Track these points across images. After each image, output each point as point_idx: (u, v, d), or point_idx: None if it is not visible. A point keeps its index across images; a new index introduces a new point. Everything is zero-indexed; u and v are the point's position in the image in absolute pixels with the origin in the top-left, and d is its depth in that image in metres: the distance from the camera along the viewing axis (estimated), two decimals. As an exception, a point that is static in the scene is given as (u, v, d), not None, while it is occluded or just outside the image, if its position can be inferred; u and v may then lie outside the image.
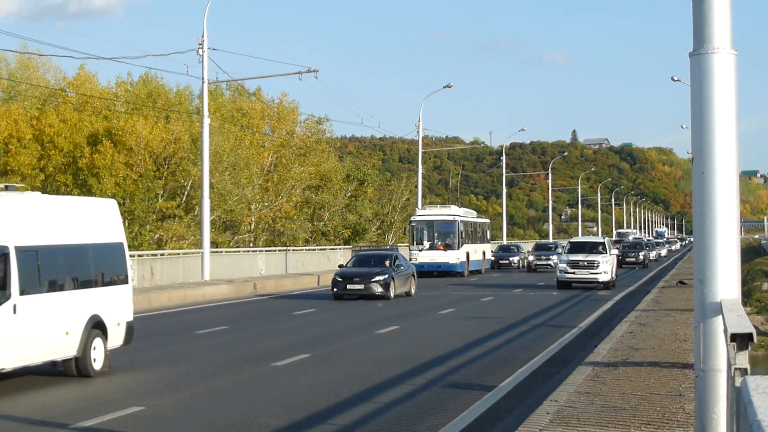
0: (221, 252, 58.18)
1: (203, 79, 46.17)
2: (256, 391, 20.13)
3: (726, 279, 10.99)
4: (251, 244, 75.92)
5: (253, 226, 77.81)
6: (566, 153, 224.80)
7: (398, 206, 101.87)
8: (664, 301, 39.29)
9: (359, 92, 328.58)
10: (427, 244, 70.11)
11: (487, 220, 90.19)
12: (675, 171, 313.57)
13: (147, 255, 50.38)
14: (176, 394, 19.44)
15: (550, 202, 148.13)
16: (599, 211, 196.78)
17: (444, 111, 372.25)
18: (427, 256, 69.58)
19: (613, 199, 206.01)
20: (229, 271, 52.85)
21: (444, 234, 69.70)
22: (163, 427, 16.06)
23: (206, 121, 46.52)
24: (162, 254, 52.16)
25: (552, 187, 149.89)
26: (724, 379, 10.55)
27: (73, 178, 67.11)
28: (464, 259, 70.42)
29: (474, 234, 77.32)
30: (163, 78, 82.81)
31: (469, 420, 16.36)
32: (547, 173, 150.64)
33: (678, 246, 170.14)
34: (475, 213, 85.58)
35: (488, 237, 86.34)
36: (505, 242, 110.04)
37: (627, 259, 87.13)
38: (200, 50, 45.32)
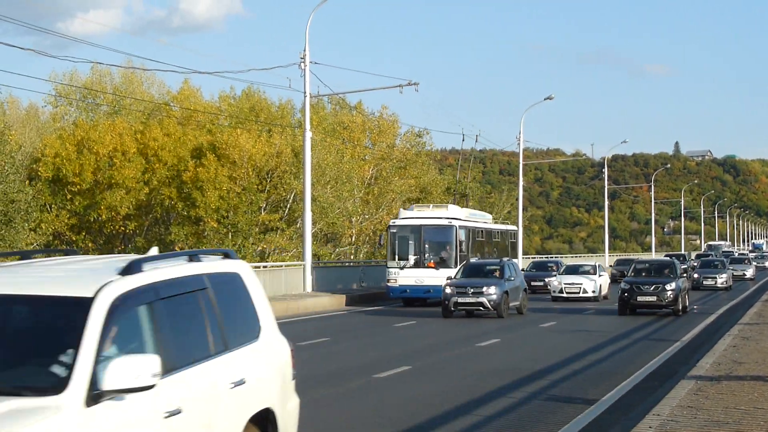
0: (323, 264, 58.46)
1: (305, 93, 46.32)
2: (357, 403, 20.15)
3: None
4: (352, 257, 76.03)
5: (354, 239, 77.88)
6: (669, 165, 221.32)
7: (499, 219, 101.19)
8: (768, 314, 38.65)
9: (459, 104, 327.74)
10: (411, 259, 47.11)
11: (514, 228, 67.12)
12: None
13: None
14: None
15: (653, 214, 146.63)
16: (702, 224, 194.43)
17: (545, 123, 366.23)
18: (410, 276, 46.93)
19: (716, 212, 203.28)
20: (331, 283, 52.91)
21: (436, 245, 47.14)
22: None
23: (308, 134, 46.66)
24: (265, 266, 52.33)
25: (654, 199, 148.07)
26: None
27: (177, 191, 67.66)
28: None
29: (487, 245, 54.96)
30: (265, 92, 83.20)
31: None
32: (650, 185, 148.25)
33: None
34: (489, 217, 61.38)
35: (516, 249, 65.45)
36: (539, 257, 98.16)
37: (705, 282, 67.88)
38: (302, 64, 45.49)
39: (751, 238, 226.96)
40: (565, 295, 53.48)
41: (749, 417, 15.58)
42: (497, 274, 44.44)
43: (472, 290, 42.45)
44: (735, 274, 73.65)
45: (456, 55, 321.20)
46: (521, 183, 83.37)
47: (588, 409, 18.64)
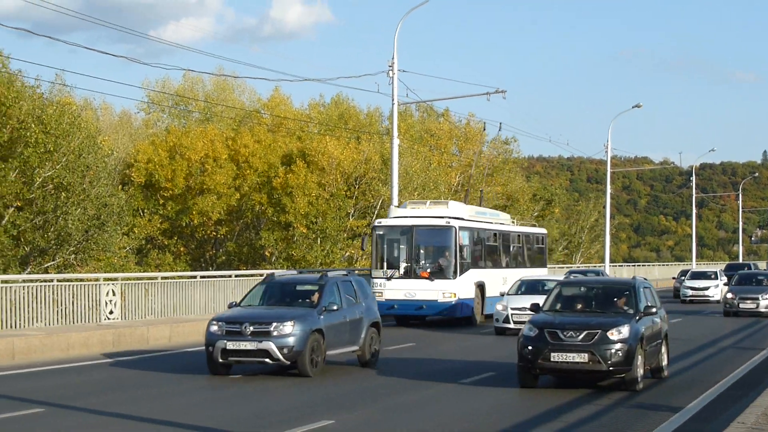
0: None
1: (393, 100, 46.43)
2: (442, 408, 20.32)
3: None
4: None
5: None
6: (757, 174, 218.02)
7: (586, 226, 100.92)
8: None
9: (547, 112, 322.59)
10: (400, 267, 37.55)
11: (542, 231, 53.82)
12: None
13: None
14: (365, 408, 19.71)
15: (740, 223, 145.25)
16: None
17: (633, 131, 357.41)
18: (399, 288, 37.28)
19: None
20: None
21: (430, 250, 37.38)
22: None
23: (396, 141, 46.79)
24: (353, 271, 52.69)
25: (742, 208, 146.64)
26: None
27: (267, 197, 68.17)
28: (469, 294, 37.71)
29: (503, 251, 43.57)
30: (354, 99, 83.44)
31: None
32: (737, 194, 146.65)
33: None
34: (507, 217, 49.65)
35: (544, 257, 51.83)
36: (577, 266, 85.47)
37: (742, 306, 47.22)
38: (390, 72, 45.66)
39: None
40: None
41: None
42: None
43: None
44: None
45: (544, 62, 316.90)
46: (608, 191, 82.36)
47: (673, 417, 18.75)
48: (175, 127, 77.15)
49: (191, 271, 55.18)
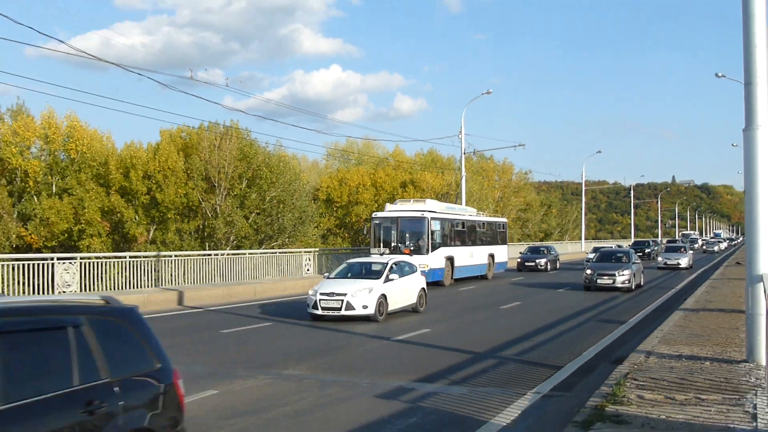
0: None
1: (461, 151, 46.28)
2: (490, 324, 20.10)
3: (765, 260, 10.86)
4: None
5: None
6: (668, 189, 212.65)
7: (571, 220, 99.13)
8: (728, 274, 37.19)
9: (546, 154, 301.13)
10: (389, 246, 33.90)
11: (502, 220, 45.94)
12: None
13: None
14: (442, 324, 19.58)
15: (659, 216, 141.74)
16: None
17: (597, 165, 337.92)
18: None
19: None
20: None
21: (410, 234, 33.78)
22: (442, 340, 16.17)
23: (464, 173, 46.82)
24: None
25: (660, 208, 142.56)
26: (764, 319, 10.33)
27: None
28: (439, 265, 33.68)
29: (469, 233, 37.88)
30: (439, 150, 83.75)
31: (609, 341, 15.97)
32: (657, 200, 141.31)
33: (723, 246, 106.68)
34: (473, 211, 42.99)
35: (504, 237, 43.88)
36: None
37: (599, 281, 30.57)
38: (460, 135, 45.58)
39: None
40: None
41: (716, 333, 15.20)
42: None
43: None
44: (668, 263, 46.91)
45: (545, 126, 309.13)
46: (584, 200, 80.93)
47: (619, 328, 18.33)
48: (342, 168, 78.06)
49: (351, 248, 55.45)
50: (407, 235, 32.19)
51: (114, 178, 54.27)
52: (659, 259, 44.48)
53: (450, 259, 33.75)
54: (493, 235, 40.69)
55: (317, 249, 39.35)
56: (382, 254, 28.68)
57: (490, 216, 43.45)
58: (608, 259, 32.56)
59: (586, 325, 19.15)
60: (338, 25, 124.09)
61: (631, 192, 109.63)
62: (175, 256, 27.74)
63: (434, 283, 31.59)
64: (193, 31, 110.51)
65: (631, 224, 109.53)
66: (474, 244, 37.43)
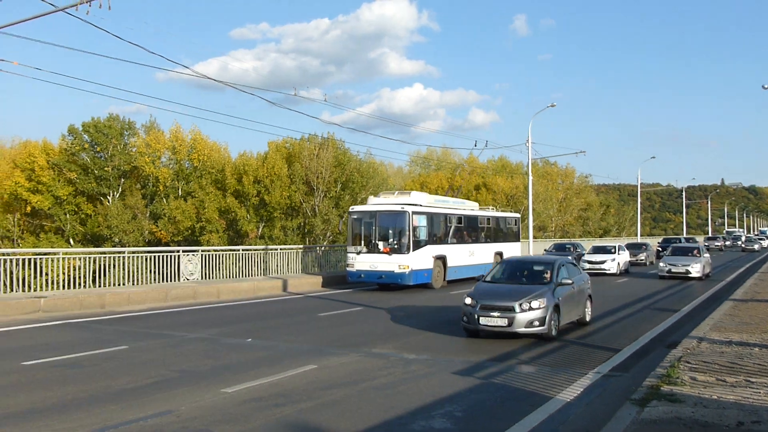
0: (536, 241, 57.33)
1: (528, 158, 45.56)
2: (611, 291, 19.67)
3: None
4: (552, 236, 74.20)
5: (553, 228, 75.93)
6: (718, 190, 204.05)
7: (628, 218, 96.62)
8: (775, 267, 35.55)
9: (605, 160, 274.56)
10: (367, 244, 25.77)
11: (514, 215, 36.05)
12: None
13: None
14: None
15: (710, 216, 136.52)
16: None
17: (654, 169, 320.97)
18: (365, 261, 25.76)
19: None
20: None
21: (389, 231, 25.40)
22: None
23: (530, 178, 46.02)
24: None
25: (711, 208, 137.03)
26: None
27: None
28: (424, 265, 25.49)
29: (467, 231, 29.87)
30: (508, 157, 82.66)
31: (666, 326, 15.48)
32: (707, 201, 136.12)
33: (765, 243, 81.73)
34: (473, 204, 32.83)
35: (516, 235, 35.13)
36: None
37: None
38: (527, 143, 44.87)
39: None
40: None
41: (764, 320, 14.51)
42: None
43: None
44: (673, 271, 30.45)
45: (605, 134, 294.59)
46: (639, 201, 78.29)
47: (673, 315, 17.71)
48: (423, 173, 78.02)
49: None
50: (387, 231, 24.75)
51: (229, 183, 55.58)
52: (660, 265, 30.95)
53: (441, 259, 26.25)
54: (502, 232, 33.10)
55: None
56: (358, 252, 24.40)
57: (498, 211, 34.87)
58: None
59: (641, 313, 18.56)
60: (420, 49, 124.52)
61: (683, 193, 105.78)
62: (281, 249, 28.16)
63: (420, 285, 25.20)
64: (296, 57, 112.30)
65: (683, 222, 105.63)
66: (476, 241, 29.92)
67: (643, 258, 41.98)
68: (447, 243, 27.04)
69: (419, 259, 24.58)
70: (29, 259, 18.77)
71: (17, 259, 18.57)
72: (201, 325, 15.21)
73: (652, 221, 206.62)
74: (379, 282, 24.48)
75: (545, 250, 43.78)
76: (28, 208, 57.28)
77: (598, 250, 35.72)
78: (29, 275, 18.67)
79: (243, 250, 26.53)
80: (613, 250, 34.80)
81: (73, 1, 17.19)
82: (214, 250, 25.35)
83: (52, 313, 16.54)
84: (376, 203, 26.04)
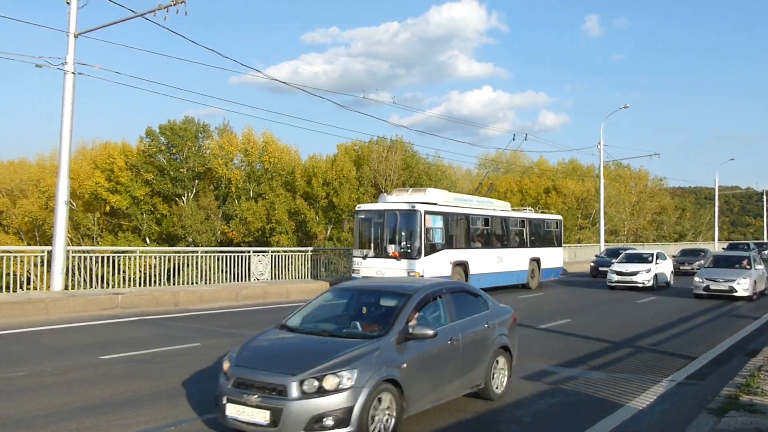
0: (607, 245, 56.10)
1: (600, 160, 44.70)
2: (628, 314, 19.21)
3: None
4: (624, 241, 72.54)
5: (626, 232, 74.16)
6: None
7: (704, 222, 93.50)
8: None
9: (684, 164, 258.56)
10: (373, 248, 22.31)
11: (555, 217, 31.30)
12: None
13: (566, 246, 49.50)
14: (583, 314, 18.83)
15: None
16: None
17: (733, 171, 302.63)
18: (372, 267, 22.11)
19: None
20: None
21: (398, 232, 21.66)
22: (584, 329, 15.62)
23: (602, 181, 45.08)
24: (576, 245, 51.10)
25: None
26: None
27: (535, 209, 67.46)
28: (439, 271, 21.81)
29: (495, 235, 25.80)
30: (579, 160, 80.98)
31: (745, 333, 14.92)
32: None
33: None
34: (504, 205, 28.26)
35: (557, 239, 30.42)
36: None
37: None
38: (598, 146, 44.03)
39: None
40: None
41: None
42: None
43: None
44: (713, 288, 23.18)
45: (682, 137, 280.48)
46: (716, 204, 75.75)
47: (753, 323, 17.06)
48: (492, 175, 77.46)
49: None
50: (396, 233, 21.47)
51: (299, 185, 56.32)
52: (696, 280, 23.89)
53: (461, 265, 22.79)
54: (540, 236, 28.82)
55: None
56: (364, 257, 21.55)
57: (536, 212, 30.54)
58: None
59: (717, 321, 17.91)
60: (490, 51, 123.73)
61: (764, 196, 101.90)
62: (344, 251, 28.35)
63: None
64: (365, 60, 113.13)
65: (763, 227, 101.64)
66: (506, 245, 26.05)
67: (697, 267, 34.37)
68: (470, 247, 23.55)
69: (433, 265, 21.33)
70: (108, 257, 19.40)
71: (96, 257, 19.20)
72: (270, 324, 15.38)
73: (731, 225, 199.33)
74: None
75: (596, 255, 38.72)
76: (107, 208, 59.27)
77: (630, 258, 29.28)
78: (108, 272, 19.30)
79: (312, 251, 26.82)
80: (649, 258, 28.64)
81: (152, 6, 17.73)
82: (284, 251, 25.70)
83: (128, 309, 17.04)
84: (390, 201, 22.80)
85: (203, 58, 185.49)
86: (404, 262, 20.92)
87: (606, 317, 18.08)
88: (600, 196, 44.99)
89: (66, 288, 17.95)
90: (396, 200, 22.77)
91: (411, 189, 23.50)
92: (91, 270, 18.83)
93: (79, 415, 7.65)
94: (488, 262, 24.49)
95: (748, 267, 23.87)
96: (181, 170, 58.01)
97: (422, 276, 20.05)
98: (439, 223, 21.92)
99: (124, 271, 20.00)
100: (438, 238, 21.84)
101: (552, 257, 29.17)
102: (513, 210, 28.58)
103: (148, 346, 12.10)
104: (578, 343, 13.35)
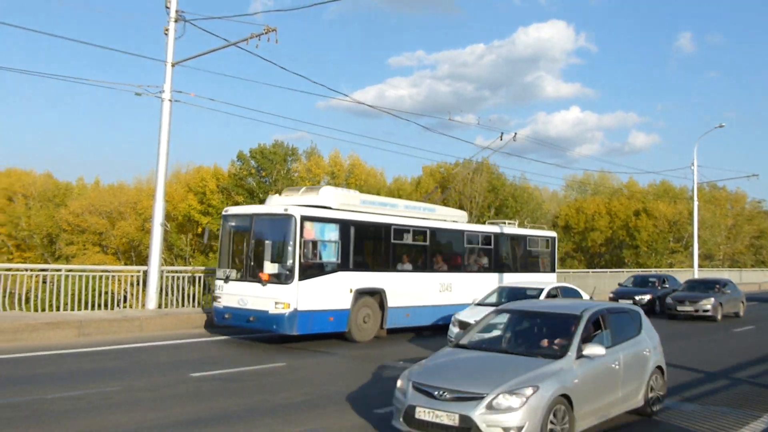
0: (701, 270, 53.79)
1: (694, 182, 43.12)
2: (724, 344, 18.36)
3: None
4: (720, 266, 69.55)
5: (722, 257, 71.11)
6: None
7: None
8: None
9: None
10: (236, 268, 15.27)
11: (541, 233, 22.98)
12: None
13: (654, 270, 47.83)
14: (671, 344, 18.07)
15: None
16: None
17: None
18: (234, 293, 15.01)
19: None
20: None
21: (267, 247, 14.34)
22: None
23: (695, 203, 43.46)
24: (667, 270, 49.31)
25: None
26: None
27: (626, 232, 65.62)
28: (324, 304, 14.79)
29: (437, 253, 18.32)
30: (671, 181, 78.44)
31: None
32: None
33: None
34: (460, 215, 20.96)
35: (546, 263, 22.62)
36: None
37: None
38: (692, 167, 42.52)
39: None
40: None
41: None
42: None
43: None
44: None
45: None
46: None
47: None
48: (579, 197, 76.01)
49: (586, 269, 53.30)
50: (264, 248, 14.85)
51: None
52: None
53: (374, 294, 16.47)
54: (519, 257, 21.79)
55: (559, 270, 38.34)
56: (226, 279, 15.39)
57: (519, 227, 22.91)
58: None
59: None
60: (577, 71, 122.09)
61: None
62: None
63: (322, 335, 15.96)
64: (451, 82, 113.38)
65: None
66: (458, 269, 19.29)
67: None
68: (390, 269, 17.04)
69: (317, 293, 14.94)
70: (198, 277, 19.98)
71: (189, 276, 19.79)
72: (350, 344, 15.47)
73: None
74: (249, 327, 15.16)
75: (618, 284, 30.65)
76: (199, 229, 61.18)
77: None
78: (198, 292, 19.85)
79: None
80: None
81: (244, 35, 18.32)
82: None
83: (217, 328, 17.48)
84: (268, 205, 16.50)
85: (292, 83, 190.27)
86: (270, 288, 14.53)
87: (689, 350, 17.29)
88: (693, 219, 43.41)
89: (159, 306, 18.56)
90: (280, 202, 16.36)
91: (304, 189, 16.93)
92: (183, 289, 19.40)
93: (168, 430, 7.88)
94: (423, 291, 17.89)
95: None
96: (270, 193, 59.38)
97: (296, 309, 14.37)
98: (330, 234, 15.49)
99: (213, 291, 20.34)
100: (328, 255, 15.42)
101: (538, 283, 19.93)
102: (491, 223, 22.78)
103: (237, 364, 12.35)
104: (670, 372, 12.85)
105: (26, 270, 17.75)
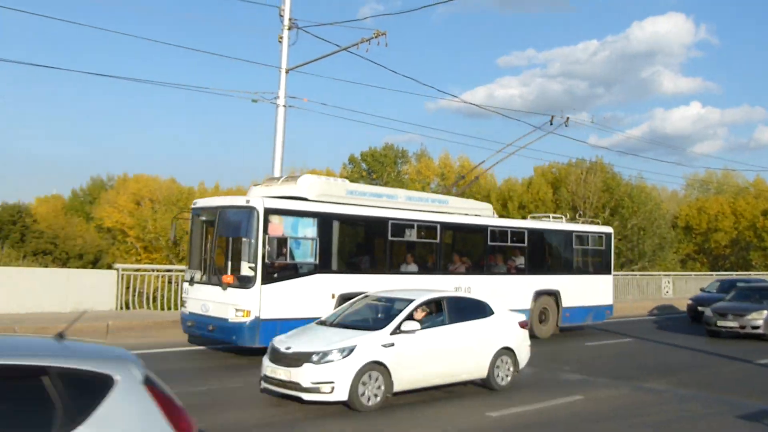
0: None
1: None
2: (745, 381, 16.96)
3: None
4: None
5: None
6: None
7: None
8: None
9: None
10: (201, 268, 12.82)
11: (591, 229, 19.29)
12: None
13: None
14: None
15: None
16: None
17: None
18: (198, 298, 12.58)
19: None
20: None
21: (230, 244, 12.41)
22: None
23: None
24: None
25: None
26: None
27: (753, 232, 62.07)
28: (295, 312, 12.04)
29: (452, 252, 15.67)
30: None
31: None
32: None
33: None
34: (485, 207, 17.56)
35: (600, 264, 19.09)
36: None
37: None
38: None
39: None
40: None
41: None
42: None
43: None
44: None
45: None
46: None
47: None
48: (701, 197, 72.67)
49: (709, 271, 50.95)
50: (227, 245, 13.01)
51: (494, 209, 56.28)
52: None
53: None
54: (562, 258, 18.68)
55: (675, 273, 36.86)
56: (191, 281, 13.20)
57: (563, 221, 19.66)
58: None
59: None
60: (698, 64, 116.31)
61: None
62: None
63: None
64: (563, 80, 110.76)
65: None
66: (481, 271, 16.37)
67: None
68: (385, 271, 14.32)
69: (286, 299, 12.52)
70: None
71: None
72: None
73: None
74: (210, 337, 12.82)
75: (701, 289, 27.20)
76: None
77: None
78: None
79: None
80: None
81: (354, 40, 18.67)
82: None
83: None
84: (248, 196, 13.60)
85: (401, 85, 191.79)
86: (230, 293, 12.26)
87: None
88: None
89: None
90: (255, 194, 13.89)
91: (284, 177, 14.51)
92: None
93: (283, 426, 8.08)
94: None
95: None
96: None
97: (257, 318, 12.03)
98: (306, 230, 13.10)
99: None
100: (302, 254, 13.09)
101: (585, 290, 18.76)
102: (533, 219, 20.52)
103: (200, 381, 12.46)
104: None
105: (153, 271, 18.80)
